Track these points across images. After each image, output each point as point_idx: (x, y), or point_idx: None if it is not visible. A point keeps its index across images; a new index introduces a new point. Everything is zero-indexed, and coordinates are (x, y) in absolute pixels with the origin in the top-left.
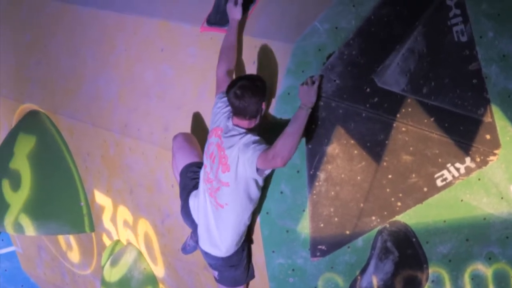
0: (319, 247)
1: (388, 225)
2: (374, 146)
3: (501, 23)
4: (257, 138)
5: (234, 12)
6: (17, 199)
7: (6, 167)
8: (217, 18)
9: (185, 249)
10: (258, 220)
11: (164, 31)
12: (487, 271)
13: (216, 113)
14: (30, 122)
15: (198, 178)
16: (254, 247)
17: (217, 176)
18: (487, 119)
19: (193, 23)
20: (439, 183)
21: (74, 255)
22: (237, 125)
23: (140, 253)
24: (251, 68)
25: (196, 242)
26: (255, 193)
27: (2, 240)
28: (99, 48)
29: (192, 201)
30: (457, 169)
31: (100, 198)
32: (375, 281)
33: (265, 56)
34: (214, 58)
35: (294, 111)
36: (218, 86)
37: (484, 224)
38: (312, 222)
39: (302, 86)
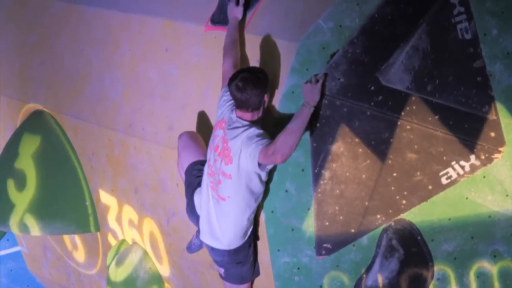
0: (324, 245)
1: (393, 223)
2: (379, 144)
3: (505, 21)
4: (261, 131)
5: (235, 12)
6: (22, 199)
7: (11, 167)
8: (221, 17)
9: (190, 248)
10: (263, 218)
11: (169, 31)
12: (492, 268)
13: (221, 105)
14: (35, 122)
15: (202, 175)
16: (259, 245)
17: (220, 168)
18: (491, 116)
19: (197, 23)
20: (444, 181)
21: (80, 255)
22: (240, 117)
23: (145, 253)
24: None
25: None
26: (258, 187)
27: (8, 240)
28: (104, 48)
29: (197, 198)
30: (462, 167)
31: (105, 197)
32: (380, 279)
33: (270, 54)
34: (219, 57)
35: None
36: (224, 80)
37: (489, 222)
38: (317, 221)
39: (306, 84)
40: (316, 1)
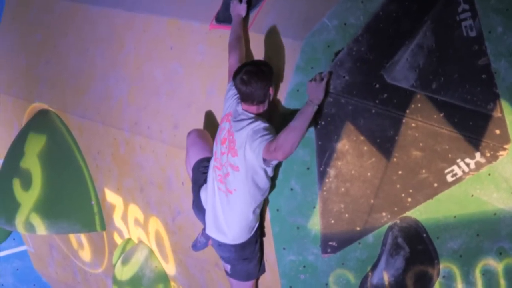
0: (330, 243)
1: (398, 221)
2: (384, 142)
3: (510, 18)
4: (266, 125)
5: (239, 9)
6: (28, 198)
7: (17, 166)
8: (226, 16)
9: (196, 246)
10: (268, 217)
11: (173, 29)
12: (498, 266)
13: (228, 99)
14: (40, 122)
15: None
16: (265, 244)
17: (228, 160)
18: (496, 114)
19: (202, 21)
20: (449, 178)
21: (86, 254)
22: (246, 110)
23: (151, 251)
24: None
25: (207, 237)
26: (264, 182)
27: (14, 239)
28: (109, 47)
29: (203, 194)
30: (467, 164)
31: (111, 196)
32: (386, 277)
33: (274, 52)
34: (223, 56)
35: None
36: (230, 75)
37: (495, 219)
38: (323, 219)
39: (311, 82)
40: None
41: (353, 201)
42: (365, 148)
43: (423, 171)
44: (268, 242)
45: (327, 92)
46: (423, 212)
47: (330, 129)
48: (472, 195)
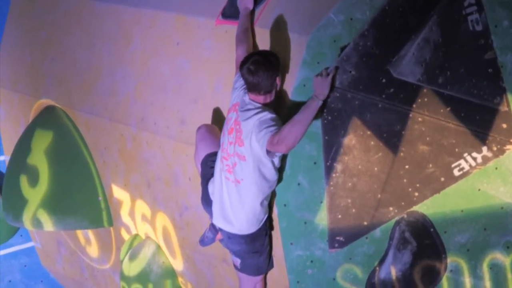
0: (337, 238)
1: (405, 216)
2: (391, 136)
3: None
4: (273, 116)
5: (246, 2)
6: (35, 194)
7: (24, 162)
8: (232, 11)
9: (203, 241)
10: (275, 212)
11: (180, 25)
12: (505, 260)
13: (236, 89)
14: (46, 118)
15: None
16: (272, 239)
17: (235, 150)
18: (503, 108)
19: (208, 16)
20: (456, 172)
21: (93, 250)
22: (253, 100)
23: (158, 247)
24: None
25: (214, 232)
26: (271, 173)
27: (21, 235)
28: (115, 43)
29: (211, 187)
30: (474, 159)
31: (118, 192)
32: (393, 271)
33: (281, 48)
34: (230, 51)
35: None
36: (237, 66)
37: (502, 213)
38: (330, 214)
39: (317, 77)
40: None
41: (360, 196)
42: (372, 142)
43: (430, 165)
44: (276, 237)
45: (332, 87)
46: (430, 207)
47: (336, 124)
48: (479, 189)
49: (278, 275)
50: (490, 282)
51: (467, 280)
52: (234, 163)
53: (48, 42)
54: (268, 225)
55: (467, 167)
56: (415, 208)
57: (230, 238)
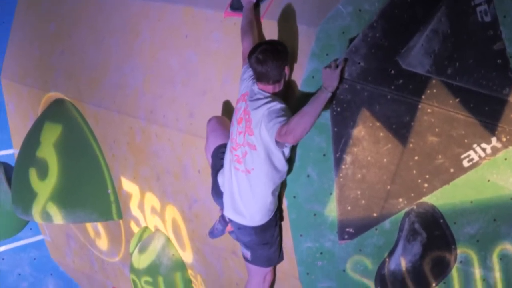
0: (347, 230)
1: (415, 207)
2: (400, 128)
3: None
4: (283, 106)
5: None
6: (45, 187)
7: (33, 156)
8: (240, 4)
9: (213, 233)
10: (285, 204)
11: (188, 17)
12: None
13: (244, 80)
14: (55, 111)
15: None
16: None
17: (245, 139)
18: None
19: (216, 9)
20: (465, 163)
21: (103, 243)
22: (262, 90)
23: (168, 239)
24: None
25: (224, 224)
26: (282, 164)
27: (31, 229)
28: (124, 36)
29: (221, 178)
30: (483, 149)
31: (127, 185)
32: (403, 262)
33: (289, 39)
34: (238, 43)
35: None
36: (244, 59)
37: (511, 204)
38: (339, 205)
39: (326, 69)
40: None
41: (370, 187)
42: (381, 134)
43: (439, 156)
44: (285, 229)
45: (341, 79)
46: (440, 198)
47: (346, 115)
48: (489, 180)
49: (287, 266)
50: (500, 272)
51: (477, 271)
52: (244, 153)
53: (57, 35)
54: (278, 216)
55: (476, 158)
56: (425, 199)
57: (240, 229)
